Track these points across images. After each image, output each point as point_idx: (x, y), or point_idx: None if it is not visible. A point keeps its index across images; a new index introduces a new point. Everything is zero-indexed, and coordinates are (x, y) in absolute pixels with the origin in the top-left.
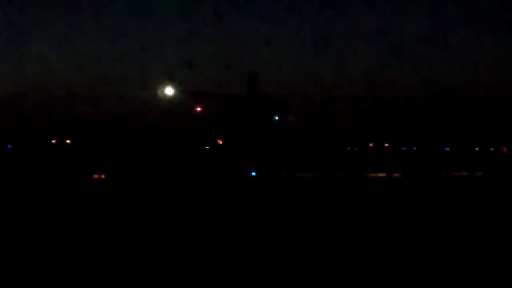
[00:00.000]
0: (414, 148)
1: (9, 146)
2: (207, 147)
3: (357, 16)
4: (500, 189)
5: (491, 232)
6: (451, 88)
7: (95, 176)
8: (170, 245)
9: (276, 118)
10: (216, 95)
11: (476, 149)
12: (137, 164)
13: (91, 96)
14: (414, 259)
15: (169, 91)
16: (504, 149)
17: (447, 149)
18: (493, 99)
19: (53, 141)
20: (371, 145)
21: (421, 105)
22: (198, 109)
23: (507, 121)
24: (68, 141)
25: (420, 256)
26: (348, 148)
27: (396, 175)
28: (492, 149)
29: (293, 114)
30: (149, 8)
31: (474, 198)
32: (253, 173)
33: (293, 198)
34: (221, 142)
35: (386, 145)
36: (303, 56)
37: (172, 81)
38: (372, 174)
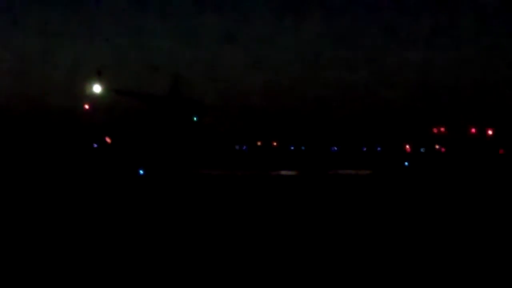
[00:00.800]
0: (302, 148)
1: None
2: (95, 145)
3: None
4: (387, 185)
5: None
6: (342, 89)
7: None
8: (46, 247)
9: (195, 118)
10: (141, 95)
11: (363, 148)
12: (21, 160)
13: None
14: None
15: (97, 88)
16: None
17: (335, 148)
18: (382, 99)
19: None
20: (259, 143)
21: (313, 106)
22: (86, 106)
23: (396, 121)
24: None
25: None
26: (237, 147)
27: (284, 172)
28: (378, 148)
29: (210, 115)
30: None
31: (360, 195)
32: (141, 172)
33: (171, 195)
34: (109, 141)
35: (275, 144)
36: (220, 58)
37: (100, 78)
38: (255, 172)
